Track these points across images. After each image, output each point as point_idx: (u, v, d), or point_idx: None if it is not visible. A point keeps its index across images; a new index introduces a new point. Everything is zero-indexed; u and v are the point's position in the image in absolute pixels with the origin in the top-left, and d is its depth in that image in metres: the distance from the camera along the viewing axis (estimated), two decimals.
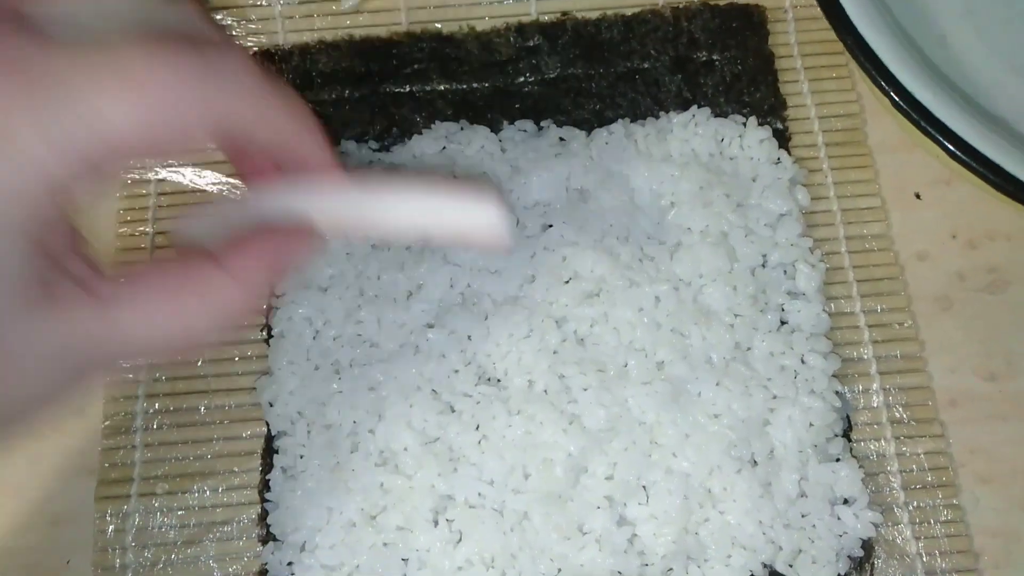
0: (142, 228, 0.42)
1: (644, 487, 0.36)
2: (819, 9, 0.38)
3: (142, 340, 0.24)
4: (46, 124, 0.20)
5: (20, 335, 0.22)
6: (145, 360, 0.26)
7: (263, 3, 0.45)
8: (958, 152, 0.33)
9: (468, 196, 0.28)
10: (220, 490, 0.38)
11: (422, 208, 0.28)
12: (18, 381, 0.22)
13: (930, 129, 0.33)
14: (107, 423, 0.39)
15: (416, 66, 0.44)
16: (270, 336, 0.39)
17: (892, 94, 0.34)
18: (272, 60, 0.44)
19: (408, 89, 0.43)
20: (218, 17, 0.45)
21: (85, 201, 0.24)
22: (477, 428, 0.37)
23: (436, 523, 0.36)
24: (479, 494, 0.36)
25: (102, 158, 0.21)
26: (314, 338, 0.38)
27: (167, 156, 0.24)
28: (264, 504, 0.37)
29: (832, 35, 0.38)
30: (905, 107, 0.34)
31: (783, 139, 0.42)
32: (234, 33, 0.45)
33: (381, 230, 0.29)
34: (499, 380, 0.38)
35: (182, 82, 0.22)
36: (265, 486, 0.37)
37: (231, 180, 0.42)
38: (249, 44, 0.44)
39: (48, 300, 0.22)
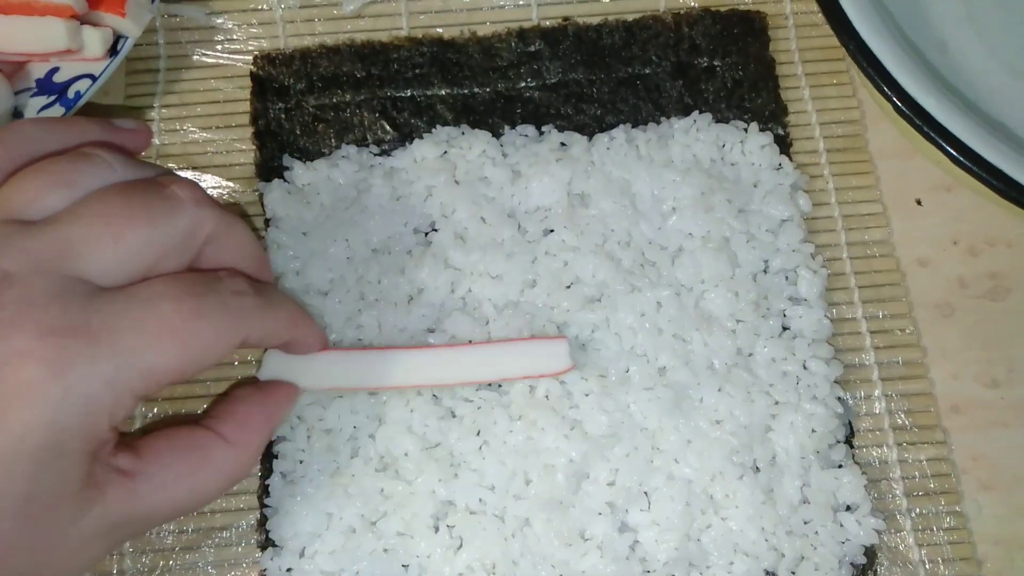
0: None
1: (646, 493, 0.36)
2: (820, 16, 0.38)
3: (163, 510, 0.29)
4: (107, 374, 0.25)
5: (72, 524, 0.26)
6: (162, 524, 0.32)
7: (264, 7, 0.45)
8: (961, 157, 0.33)
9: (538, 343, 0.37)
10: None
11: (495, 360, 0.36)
12: (67, 558, 0.27)
13: (933, 134, 0.33)
14: None
15: (417, 71, 0.44)
16: None
17: (895, 99, 0.34)
18: (273, 64, 0.44)
19: (409, 93, 0.43)
20: (219, 21, 0.45)
21: None
22: (478, 433, 0.36)
23: (437, 529, 0.35)
24: (480, 500, 0.36)
25: (147, 392, 0.27)
26: None
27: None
28: (263, 510, 0.37)
29: (833, 41, 0.38)
30: (908, 112, 0.34)
31: (784, 145, 0.42)
32: (235, 37, 0.45)
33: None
34: (500, 385, 0.37)
35: (212, 329, 0.28)
36: (264, 491, 0.37)
37: (231, 184, 0.42)
38: (250, 48, 0.44)
39: (94, 490, 0.27)
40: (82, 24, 0.39)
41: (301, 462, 0.37)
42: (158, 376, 0.26)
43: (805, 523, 0.36)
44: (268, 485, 0.37)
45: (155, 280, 0.28)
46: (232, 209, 0.42)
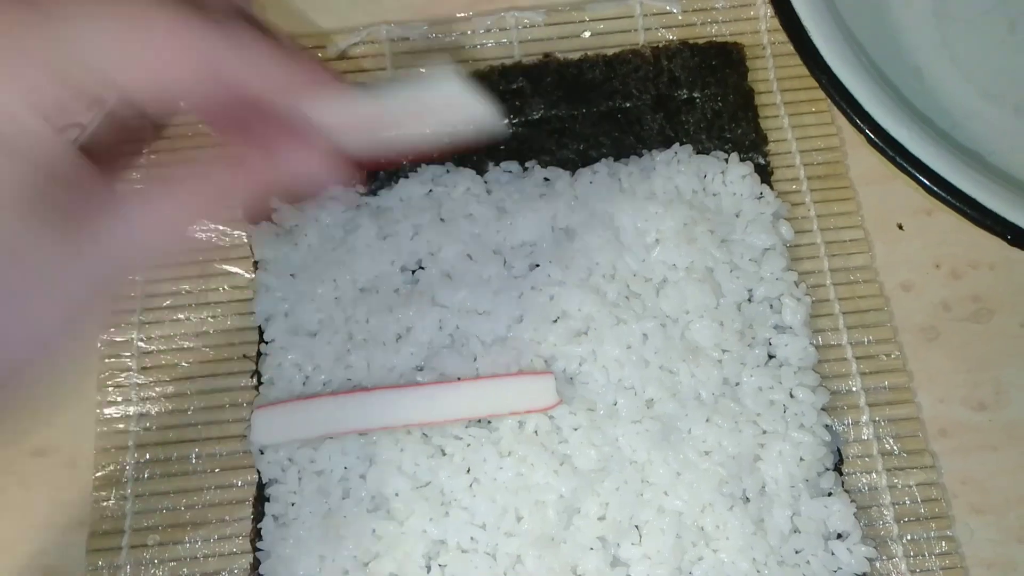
0: (131, 277, 0.42)
1: (637, 527, 0.36)
2: None
3: (149, 233, 0.24)
4: (49, 61, 0.21)
5: (35, 258, 0.22)
6: (150, 263, 0.27)
7: None
8: (934, 187, 0.33)
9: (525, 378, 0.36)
10: (212, 540, 0.38)
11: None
12: (45, 307, 0.23)
13: (906, 165, 0.33)
14: (98, 474, 0.39)
15: None
16: (260, 383, 0.39)
17: (867, 131, 0.34)
18: None
19: None
20: None
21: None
22: (468, 471, 0.37)
23: (429, 568, 0.36)
24: (471, 538, 0.36)
25: (104, 92, 0.22)
26: (304, 383, 0.38)
27: (169, 109, 0.26)
28: (256, 553, 0.37)
29: None
30: (881, 144, 0.34)
31: (765, 174, 0.43)
32: None
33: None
34: (489, 422, 0.38)
35: (184, 27, 0.23)
36: (257, 535, 0.37)
37: (220, 227, 0.43)
38: None
39: (59, 217, 0.22)
40: None
41: (293, 504, 0.37)
42: (112, 74, 0.22)
43: (796, 552, 0.36)
44: (260, 528, 0.37)
45: None
46: (223, 252, 0.42)
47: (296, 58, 0.26)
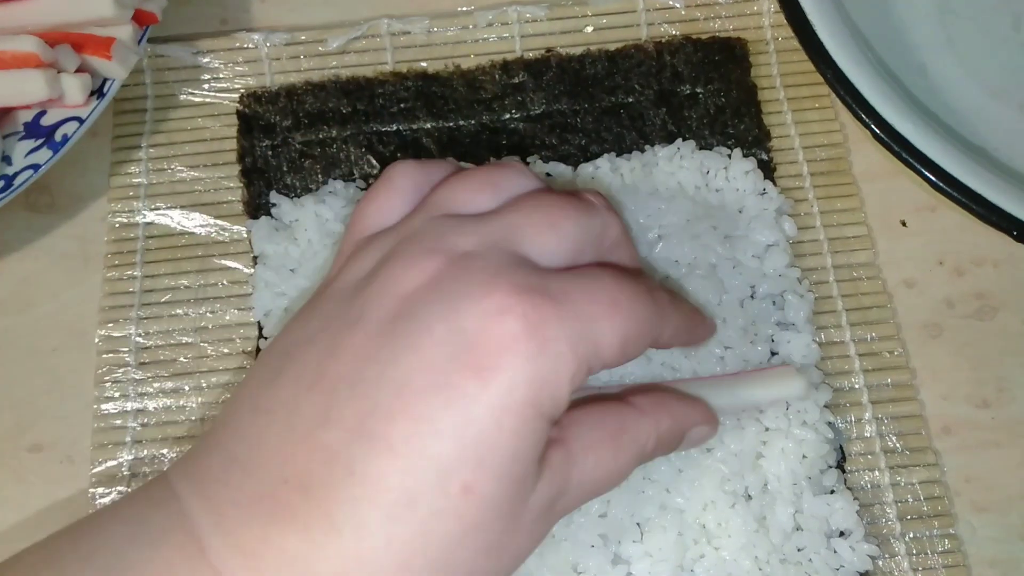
0: (130, 272, 0.42)
1: (638, 524, 0.36)
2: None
3: (592, 479, 0.28)
4: (571, 337, 0.25)
5: (531, 494, 0.25)
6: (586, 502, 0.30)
7: (250, 45, 0.45)
8: (940, 183, 0.33)
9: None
10: None
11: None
12: (521, 537, 0.26)
13: (912, 161, 0.33)
14: (95, 470, 0.38)
15: (402, 105, 0.44)
16: None
17: (873, 126, 0.34)
18: (259, 101, 0.44)
19: (395, 128, 0.44)
20: (205, 60, 0.45)
21: None
22: None
23: None
24: None
25: (592, 368, 0.26)
26: None
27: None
28: None
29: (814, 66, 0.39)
30: (886, 139, 0.34)
31: (768, 170, 0.43)
32: (221, 75, 0.45)
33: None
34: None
35: (646, 313, 0.28)
36: None
37: (219, 222, 0.43)
38: (236, 86, 0.45)
39: (543, 461, 0.26)
40: (61, 71, 0.39)
41: None
42: (605, 350, 0.26)
43: (799, 550, 0.36)
44: None
45: (592, 266, 0.28)
46: (222, 247, 0.42)
47: (697, 319, 0.34)
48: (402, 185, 0.31)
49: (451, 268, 0.26)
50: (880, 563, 0.36)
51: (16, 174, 0.39)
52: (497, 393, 0.24)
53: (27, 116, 0.41)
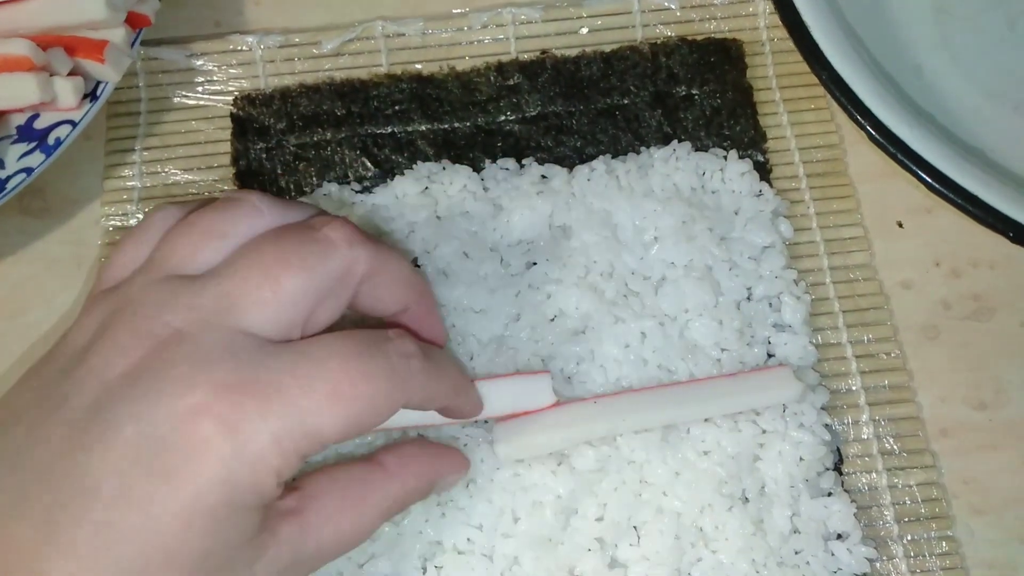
0: None
1: (635, 527, 0.36)
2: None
3: (329, 545, 0.28)
4: (277, 433, 0.25)
5: (248, 569, 0.26)
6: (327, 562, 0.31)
7: (244, 48, 0.45)
8: (936, 185, 0.33)
9: (521, 378, 0.36)
10: None
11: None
12: None
13: (908, 163, 0.33)
14: None
15: (397, 107, 0.44)
16: None
17: (869, 128, 0.34)
18: (253, 104, 0.44)
19: (389, 130, 0.43)
20: (198, 63, 0.45)
21: None
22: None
23: (425, 570, 0.35)
24: (468, 539, 0.35)
25: (310, 453, 0.26)
26: None
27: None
28: None
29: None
30: (882, 141, 0.34)
31: (764, 171, 0.42)
32: (215, 78, 0.45)
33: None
34: (486, 421, 0.37)
35: (378, 393, 0.27)
36: None
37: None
38: (230, 88, 0.44)
39: (266, 534, 0.26)
40: (53, 75, 0.39)
41: None
42: (323, 437, 0.26)
43: (796, 553, 0.36)
44: None
45: (324, 337, 0.27)
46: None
47: (462, 386, 0.33)
48: (149, 233, 0.29)
49: (156, 355, 0.25)
50: (878, 566, 0.36)
51: (9, 178, 0.39)
52: (185, 498, 0.24)
53: (20, 119, 0.41)
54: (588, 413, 0.36)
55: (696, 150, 0.42)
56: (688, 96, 0.44)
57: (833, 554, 0.36)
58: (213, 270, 0.27)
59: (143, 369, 0.25)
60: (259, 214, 0.29)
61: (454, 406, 0.33)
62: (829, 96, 0.38)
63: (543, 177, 0.42)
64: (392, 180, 0.42)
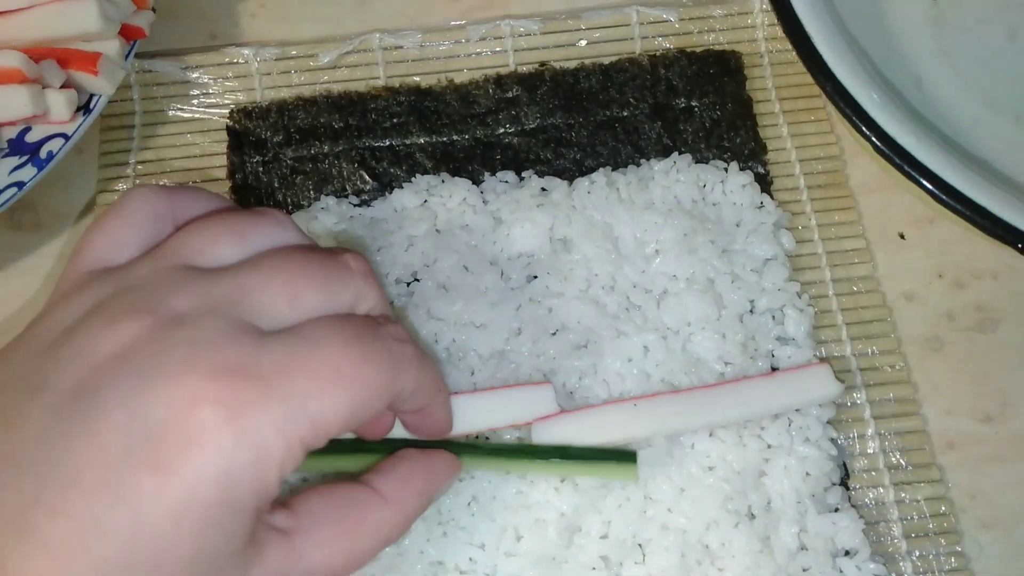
0: None
1: (640, 545, 0.35)
2: (795, 54, 0.38)
3: (320, 569, 0.26)
4: (280, 421, 0.23)
5: None
6: None
7: (240, 60, 0.44)
8: (943, 196, 0.33)
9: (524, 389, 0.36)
10: None
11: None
12: None
13: (914, 174, 0.33)
14: None
15: (395, 120, 0.43)
16: None
17: (874, 139, 0.34)
18: (249, 117, 0.43)
19: (388, 143, 0.43)
20: (194, 75, 0.44)
21: None
22: (466, 490, 0.35)
23: None
24: (470, 559, 0.35)
25: (315, 442, 0.25)
26: None
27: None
28: None
29: (809, 78, 0.38)
30: (888, 152, 0.33)
31: (765, 183, 0.42)
32: (211, 91, 0.44)
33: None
34: (487, 438, 0.37)
35: (379, 375, 0.26)
36: None
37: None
38: (226, 101, 0.44)
39: (253, 549, 0.24)
40: (45, 87, 0.39)
41: None
42: (327, 423, 0.24)
43: (804, 571, 0.35)
44: None
45: (322, 319, 0.26)
46: None
47: (444, 388, 0.32)
48: (139, 215, 0.28)
49: (153, 336, 0.23)
50: None
51: (0, 192, 0.39)
52: (178, 493, 0.22)
53: (11, 132, 0.40)
54: (627, 415, 0.35)
55: (696, 162, 0.42)
56: (688, 108, 0.44)
57: (841, 571, 0.35)
58: (231, 267, 0.26)
59: (137, 350, 0.23)
60: (283, 228, 0.28)
61: (433, 407, 0.31)
62: (830, 107, 0.38)
63: (543, 190, 0.41)
64: (391, 193, 0.41)
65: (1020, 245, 0.32)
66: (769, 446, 0.36)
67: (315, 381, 0.24)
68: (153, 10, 0.42)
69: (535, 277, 0.39)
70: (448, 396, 0.33)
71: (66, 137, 0.39)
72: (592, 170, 0.42)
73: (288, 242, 0.28)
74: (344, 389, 0.25)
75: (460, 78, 0.44)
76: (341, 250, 0.29)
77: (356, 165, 0.42)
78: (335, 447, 0.31)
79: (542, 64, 0.45)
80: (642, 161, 0.42)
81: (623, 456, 0.35)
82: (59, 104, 0.39)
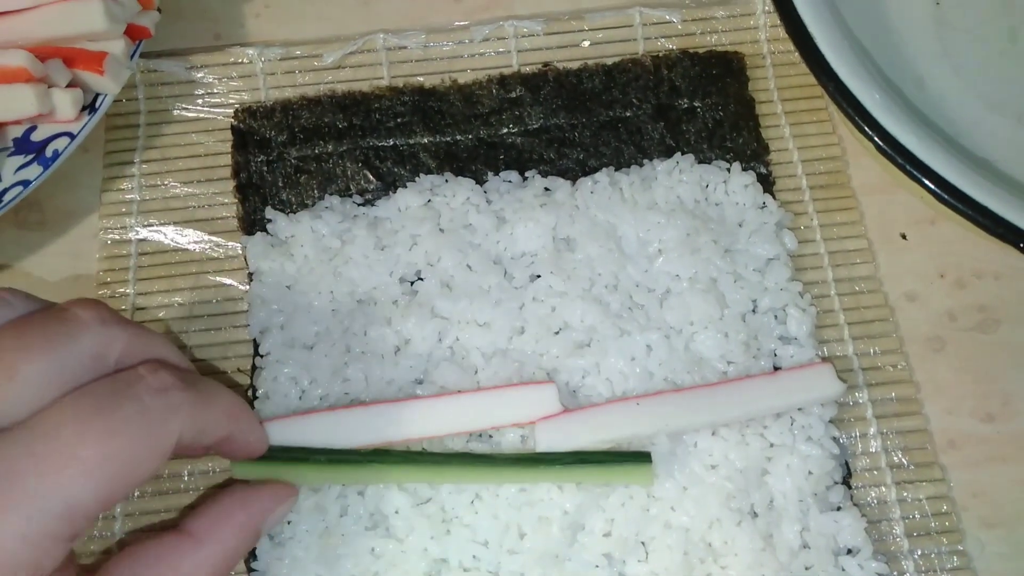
0: (122, 290, 0.41)
1: (643, 543, 0.35)
2: (797, 54, 0.38)
3: None
4: (22, 528, 0.23)
5: None
6: None
7: (244, 60, 0.45)
8: (945, 195, 0.33)
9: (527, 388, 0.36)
10: None
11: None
12: None
13: (916, 173, 0.33)
14: None
15: (399, 119, 0.43)
16: (255, 397, 0.38)
17: (876, 139, 0.34)
18: (254, 117, 0.44)
19: (392, 143, 0.43)
20: (199, 75, 0.44)
21: None
22: (470, 487, 0.36)
23: None
24: (473, 556, 0.35)
25: (76, 532, 0.24)
26: (300, 398, 0.37)
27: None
28: (251, 574, 0.36)
29: (811, 79, 0.39)
30: (890, 152, 0.34)
31: (767, 183, 0.42)
32: (216, 90, 0.44)
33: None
34: (491, 436, 0.37)
35: (133, 442, 0.25)
36: (251, 554, 0.36)
37: (213, 238, 0.42)
38: (231, 101, 0.44)
39: None
40: (51, 86, 0.39)
41: (289, 522, 0.36)
42: (85, 510, 0.24)
43: (806, 569, 0.35)
44: (255, 548, 0.36)
45: (58, 403, 0.25)
46: (216, 264, 0.41)
47: (246, 415, 0.32)
48: None
49: None
50: None
51: (5, 190, 0.39)
52: None
53: (17, 131, 0.40)
54: (630, 413, 0.36)
55: (699, 162, 0.42)
56: (690, 109, 0.44)
57: (843, 569, 0.35)
58: None
59: None
60: (6, 305, 0.27)
61: (234, 435, 0.30)
62: (832, 108, 0.38)
63: (546, 189, 0.42)
64: (394, 193, 0.42)
65: (1022, 244, 0.32)
66: (772, 445, 0.37)
67: (53, 475, 0.24)
68: (158, 10, 0.42)
69: (538, 276, 0.39)
70: (252, 415, 0.32)
71: (71, 136, 0.40)
72: (595, 170, 0.42)
73: (16, 315, 0.27)
74: (86, 475, 0.24)
75: (464, 78, 0.44)
76: (74, 303, 0.28)
77: (360, 164, 0.43)
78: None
79: (545, 65, 0.45)
80: (645, 161, 0.43)
81: (638, 458, 0.35)
82: (65, 103, 0.39)
